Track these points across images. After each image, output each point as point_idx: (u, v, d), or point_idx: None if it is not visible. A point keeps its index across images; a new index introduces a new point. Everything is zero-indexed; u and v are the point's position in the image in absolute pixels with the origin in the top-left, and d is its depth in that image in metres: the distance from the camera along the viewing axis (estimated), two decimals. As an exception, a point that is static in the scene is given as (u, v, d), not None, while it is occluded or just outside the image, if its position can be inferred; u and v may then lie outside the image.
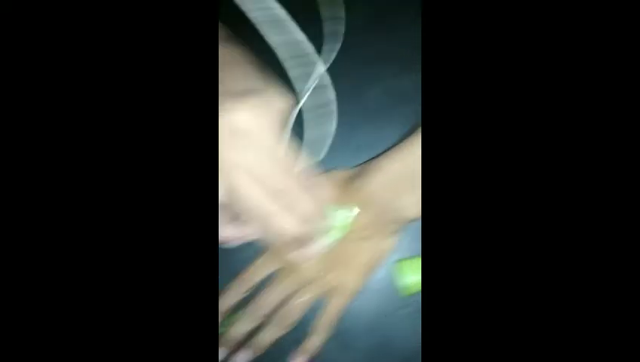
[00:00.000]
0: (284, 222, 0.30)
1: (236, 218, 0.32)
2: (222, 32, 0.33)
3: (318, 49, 0.38)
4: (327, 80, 0.37)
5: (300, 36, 0.36)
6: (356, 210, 0.36)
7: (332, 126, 0.38)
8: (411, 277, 0.37)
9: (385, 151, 0.36)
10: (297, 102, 0.36)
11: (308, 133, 0.37)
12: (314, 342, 0.36)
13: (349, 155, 0.39)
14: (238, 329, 0.37)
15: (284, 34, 0.36)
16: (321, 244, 0.34)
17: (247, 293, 0.37)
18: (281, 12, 0.35)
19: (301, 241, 0.33)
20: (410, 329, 0.38)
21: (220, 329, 0.37)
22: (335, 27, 0.39)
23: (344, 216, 0.36)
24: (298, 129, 0.36)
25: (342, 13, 0.39)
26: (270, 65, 0.33)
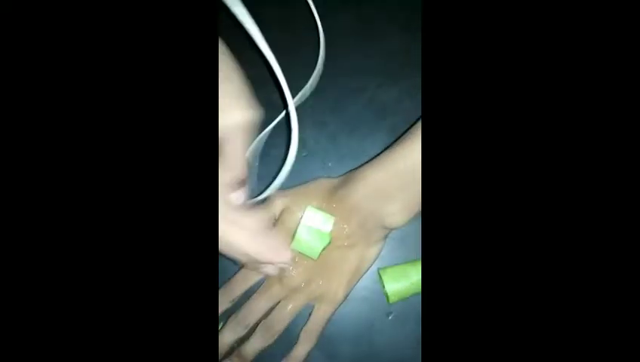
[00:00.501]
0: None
1: None
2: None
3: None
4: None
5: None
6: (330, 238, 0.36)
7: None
8: (393, 284, 0.37)
9: (368, 161, 0.37)
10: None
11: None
12: (299, 351, 0.36)
13: (332, 165, 0.40)
14: (223, 339, 0.36)
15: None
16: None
17: (232, 303, 0.37)
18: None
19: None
20: (395, 336, 0.38)
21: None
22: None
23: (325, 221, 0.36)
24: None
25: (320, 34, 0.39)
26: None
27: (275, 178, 0.35)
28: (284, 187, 0.37)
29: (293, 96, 0.36)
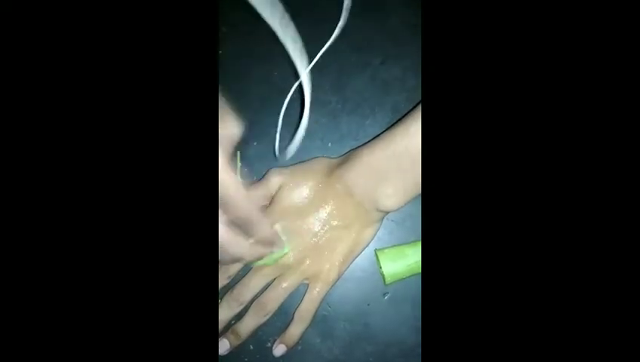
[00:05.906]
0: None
1: None
2: None
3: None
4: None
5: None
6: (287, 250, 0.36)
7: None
8: (390, 265, 0.37)
9: (367, 142, 0.36)
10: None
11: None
12: (293, 331, 0.37)
13: (332, 145, 0.39)
14: (220, 316, 0.37)
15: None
16: None
17: (229, 279, 0.38)
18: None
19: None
20: (391, 317, 0.38)
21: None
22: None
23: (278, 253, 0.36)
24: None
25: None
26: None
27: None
28: (282, 165, 0.37)
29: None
